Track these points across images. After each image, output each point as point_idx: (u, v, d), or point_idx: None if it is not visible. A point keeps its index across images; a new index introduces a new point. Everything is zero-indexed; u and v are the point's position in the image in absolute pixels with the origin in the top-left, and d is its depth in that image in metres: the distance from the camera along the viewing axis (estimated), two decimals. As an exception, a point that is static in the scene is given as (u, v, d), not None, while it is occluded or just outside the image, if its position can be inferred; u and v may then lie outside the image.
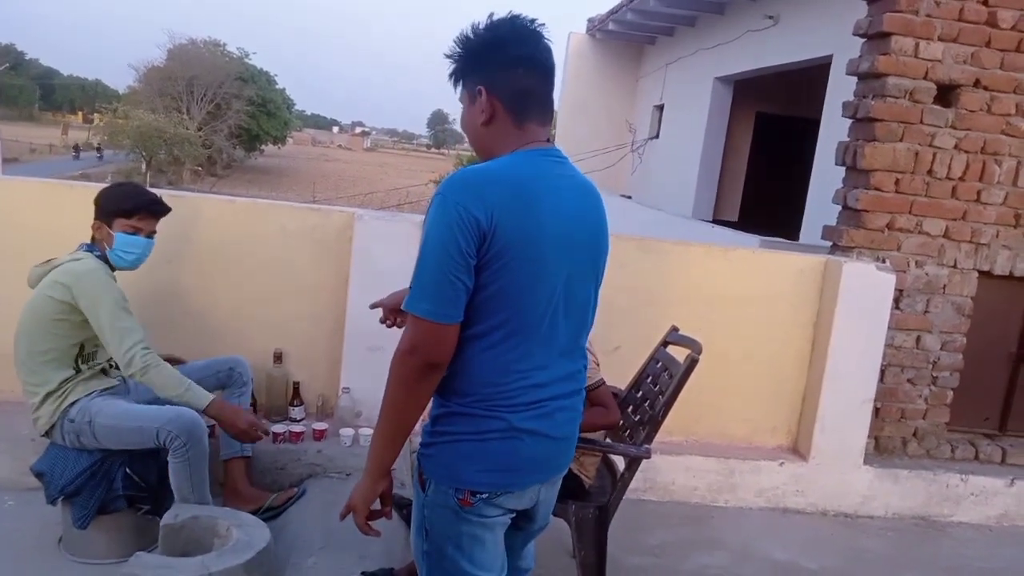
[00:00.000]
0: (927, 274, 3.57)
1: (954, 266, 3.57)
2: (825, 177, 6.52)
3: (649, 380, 2.63)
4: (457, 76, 1.58)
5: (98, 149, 42.69)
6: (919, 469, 3.62)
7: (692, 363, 2.33)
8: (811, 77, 8.27)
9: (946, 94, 3.43)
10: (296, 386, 3.22)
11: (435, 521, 1.53)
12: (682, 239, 3.94)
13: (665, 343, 2.74)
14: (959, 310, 3.62)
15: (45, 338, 2.38)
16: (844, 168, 3.68)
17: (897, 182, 3.47)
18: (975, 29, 3.36)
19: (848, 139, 3.64)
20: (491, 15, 1.54)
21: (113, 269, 2.51)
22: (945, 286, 3.59)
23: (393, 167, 65.16)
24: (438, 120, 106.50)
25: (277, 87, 47.62)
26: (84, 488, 2.41)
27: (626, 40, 12.08)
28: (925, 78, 3.39)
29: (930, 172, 3.47)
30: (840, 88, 6.36)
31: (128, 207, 2.48)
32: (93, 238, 2.52)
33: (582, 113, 12.50)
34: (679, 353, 2.57)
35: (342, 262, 3.23)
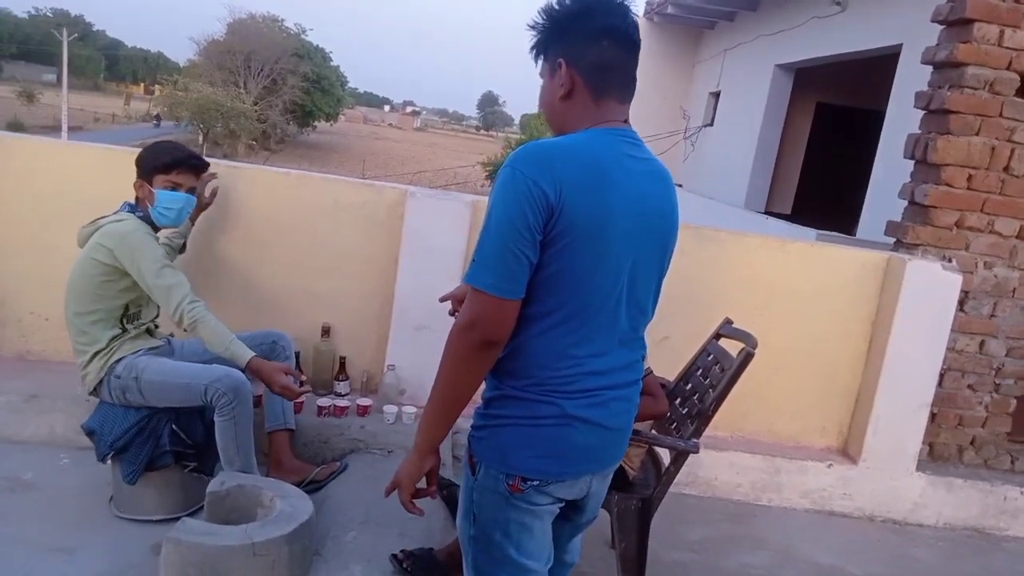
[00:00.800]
0: (996, 276, 3.41)
1: (1025, 269, 3.40)
2: (889, 171, 6.29)
3: (699, 373, 2.56)
4: (538, 48, 1.52)
5: (157, 118, 43.75)
6: (975, 479, 3.48)
7: (747, 358, 2.26)
8: (876, 67, 7.98)
9: (1028, 86, 3.25)
10: (342, 361, 3.23)
11: (484, 505, 1.50)
12: (736, 229, 3.83)
13: (718, 335, 2.67)
14: (1029, 315, 3.45)
15: (91, 299, 2.43)
16: (912, 162, 3.52)
17: (970, 178, 3.30)
18: (1065, 18, 3.17)
19: (919, 131, 3.48)
20: None
21: (156, 229, 2.55)
22: (1015, 289, 3.42)
23: (442, 147, 65.39)
24: (488, 102, 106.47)
25: (332, 64, 48.05)
26: (132, 444, 2.46)
27: (684, 24, 11.83)
28: (1008, 68, 3.21)
29: (1007, 169, 3.30)
30: (909, 79, 6.12)
31: (166, 162, 2.52)
32: (137, 198, 2.56)
33: (635, 98, 12.26)
34: (732, 347, 2.50)
35: (393, 239, 3.22)
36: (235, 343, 2.39)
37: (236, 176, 3.11)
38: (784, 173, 9.77)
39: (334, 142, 54.84)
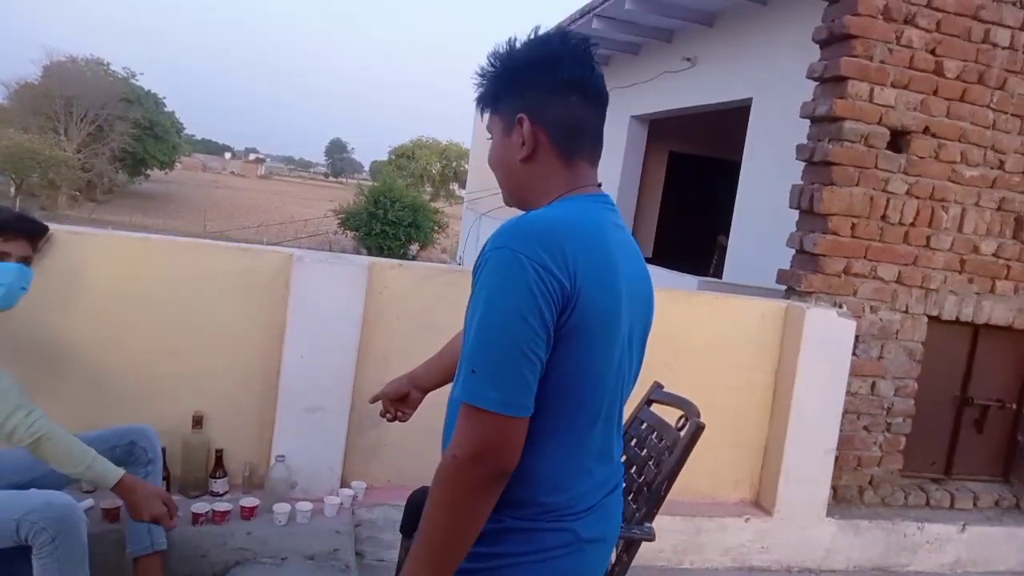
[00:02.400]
0: (881, 319, 3.54)
1: (906, 311, 3.56)
2: (746, 217, 6.62)
3: (635, 444, 2.39)
4: (489, 99, 1.31)
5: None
6: (878, 519, 3.54)
7: (697, 431, 2.12)
8: (725, 118, 8.48)
9: (897, 140, 3.44)
10: (219, 455, 2.77)
11: None
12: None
13: (649, 401, 2.52)
14: (911, 355, 3.61)
15: None
16: (798, 212, 3.62)
17: (853, 227, 3.43)
18: (924, 77, 3.39)
19: (802, 183, 3.59)
20: (536, 28, 1.28)
21: None
22: (898, 331, 3.57)
23: (290, 195, 63.25)
24: (336, 149, 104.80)
25: (166, 110, 45.32)
26: None
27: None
28: (879, 123, 3.38)
29: (883, 217, 3.45)
30: (760, 129, 6.49)
31: None
32: None
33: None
34: (663, 412, 2.36)
35: (274, 310, 2.83)
36: (98, 460, 1.94)
37: (82, 243, 2.61)
38: (644, 220, 10.12)
39: (170, 191, 51.43)
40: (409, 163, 58.65)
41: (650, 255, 10.03)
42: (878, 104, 3.36)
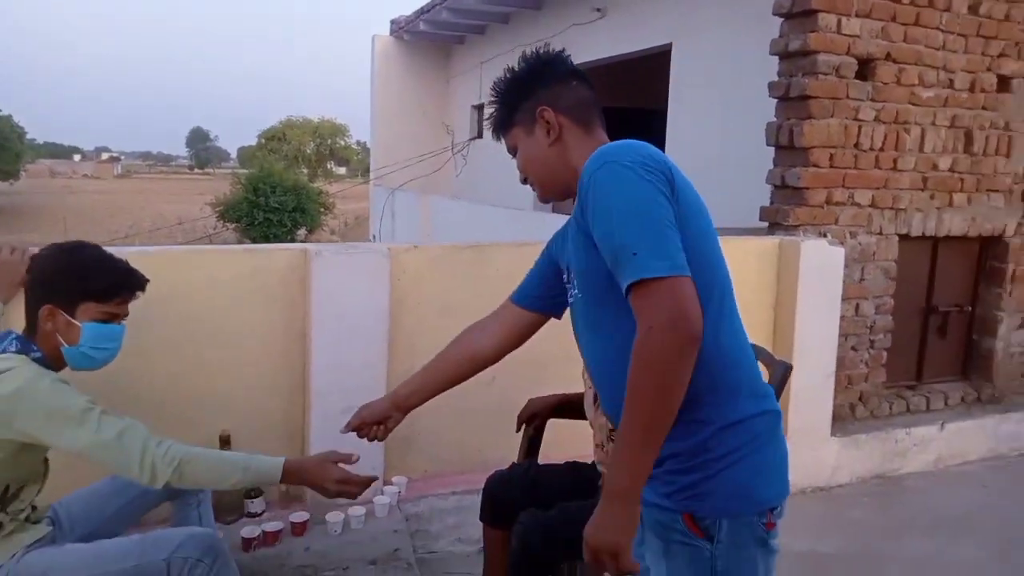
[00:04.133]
0: (860, 244, 3.70)
1: (880, 233, 3.74)
2: (677, 162, 6.74)
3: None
4: (505, 119, 1.54)
5: None
6: (873, 431, 3.76)
7: (787, 371, 2.13)
8: (637, 67, 8.58)
9: (863, 68, 3.56)
10: (252, 473, 2.56)
11: (738, 570, 1.29)
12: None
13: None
14: (887, 274, 3.81)
15: None
16: (775, 148, 3.70)
17: (831, 157, 3.54)
18: (883, 4, 3.51)
19: (777, 120, 3.66)
20: (523, 54, 1.53)
21: (57, 369, 1.78)
22: (875, 253, 3.75)
23: (154, 193, 59.22)
24: (198, 139, 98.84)
25: (1, 115, 41.15)
26: None
27: (432, 40, 11.80)
28: (848, 53, 3.48)
29: (856, 145, 3.58)
30: (684, 75, 6.60)
31: (103, 287, 1.76)
32: (33, 327, 1.76)
33: (396, 118, 12.05)
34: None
35: (292, 312, 2.63)
36: (251, 459, 1.79)
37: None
38: (562, 175, 10.17)
39: (18, 203, 46.91)
40: (281, 145, 56.19)
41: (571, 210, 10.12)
42: (846, 35, 3.46)
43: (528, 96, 1.49)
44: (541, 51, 1.54)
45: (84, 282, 1.75)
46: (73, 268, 1.77)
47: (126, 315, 1.87)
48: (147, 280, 1.87)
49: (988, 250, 4.15)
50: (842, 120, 3.52)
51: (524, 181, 1.56)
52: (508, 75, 1.53)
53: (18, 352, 1.71)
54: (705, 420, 1.28)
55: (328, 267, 2.56)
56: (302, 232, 29.64)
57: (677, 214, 1.25)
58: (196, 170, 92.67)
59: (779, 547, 1.33)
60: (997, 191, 3.99)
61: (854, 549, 3.05)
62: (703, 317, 1.19)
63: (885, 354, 3.90)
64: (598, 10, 7.79)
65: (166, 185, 70.44)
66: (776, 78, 3.66)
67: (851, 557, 2.99)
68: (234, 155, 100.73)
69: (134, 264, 1.91)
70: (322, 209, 29.93)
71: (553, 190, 1.52)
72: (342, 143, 61.06)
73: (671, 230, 1.21)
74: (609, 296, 1.30)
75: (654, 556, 1.34)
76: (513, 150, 1.56)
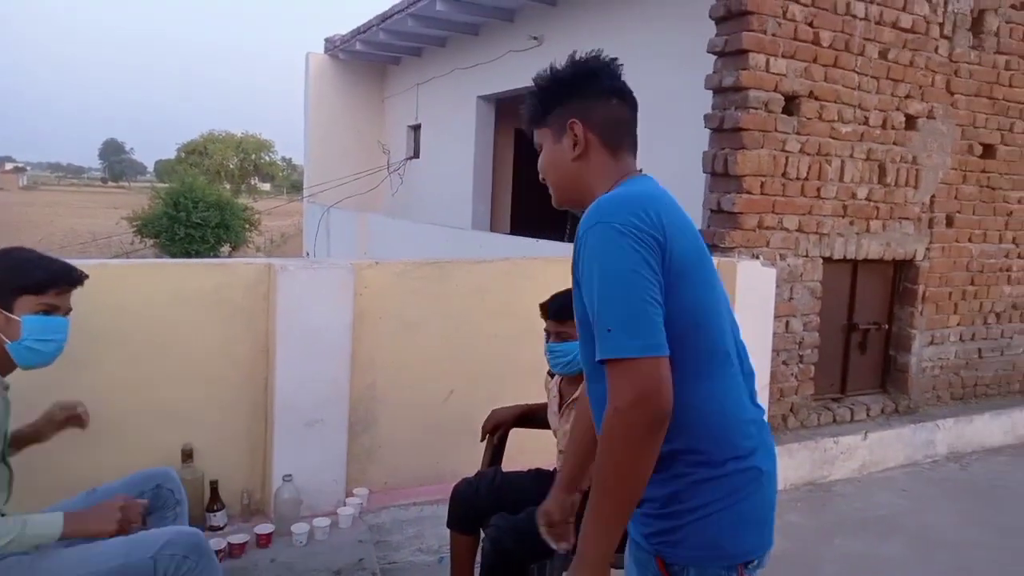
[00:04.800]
0: (789, 265, 3.99)
1: (806, 255, 4.03)
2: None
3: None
4: (538, 115, 1.49)
5: None
6: (803, 440, 4.02)
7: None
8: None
9: (789, 104, 3.86)
10: (214, 486, 2.57)
11: None
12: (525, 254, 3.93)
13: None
14: (812, 293, 4.10)
15: None
16: (711, 175, 3.95)
17: (762, 185, 3.81)
18: (806, 47, 3.83)
19: (711, 149, 3.92)
20: (573, 53, 1.48)
21: (6, 371, 1.78)
22: (802, 274, 4.04)
23: (64, 206, 56.34)
24: (112, 150, 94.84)
25: None
26: None
27: (368, 60, 11.84)
28: (775, 90, 3.77)
29: (784, 174, 3.87)
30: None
31: (38, 279, 1.79)
32: None
33: (331, 136, 11.99)
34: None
35: (255, 326, 2.66)
36: (29, 519, 1.70)
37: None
38: (499, 196, 10.33)
39: (-88, 215, 43.96)
40: (202, 159, 54.58)
41: (508, 229, 10.28)
42: (773, 73, 3.75)
43: (563, 102, 1.45)
44: (592, 59, 1.47)
45: (18, 277, 1.78)
46: (7, 265, 1.80)
47: (68, 309, 1.89)
48: (85, 275, 1.90)
49: (901, 272, 4.52)
50: (771, 151, 3.80)
51: (542, 180, 1.54)
52: (550, 72, 1.47)
53: None
54: (680, 474, 1.30)
55: (293, 281, 2.61)
56: (226, 249, 28.81)
57: (669, 275, 1.26)
58: (110, 183, 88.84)
59: None
60: (908, 219, 4.36)
61: (793, 550, 3.26)
62: (688, 380, 1.24)
63: (813, 368, 4.18)
64: (535, 38, 8.04)
65: (77, 198, 67.11)
66: (707, 110, 3.93)
67: (790, 557, 3.19)
68: (151, 168, 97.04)
69: (95, 275, 1.94)
70: (247, 225, 29.23)
71: (566, 201, 1.51)
72: (267, 159, 59.85)
73: (651, 306, 1.22)
74: None
75: None
76: (539, 147, 1.52)
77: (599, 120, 1.44)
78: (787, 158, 3.87)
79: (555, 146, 1.47)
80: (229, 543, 2.42)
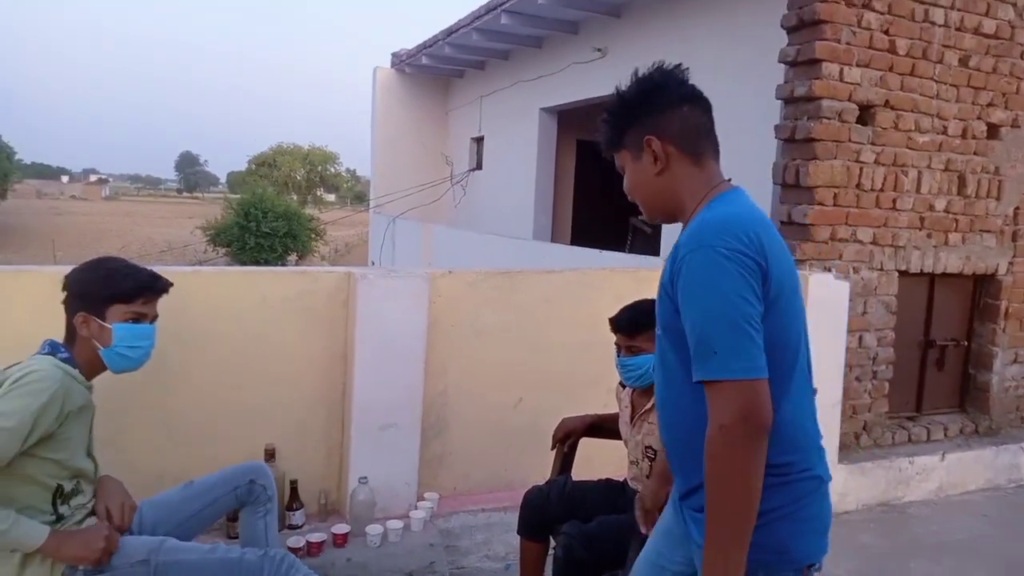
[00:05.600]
0: (863, 279, 3.90)
1: (881, 269, 3.94)
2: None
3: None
4: (615, 140, 1.51)
5: None
6: (877, 459, 3.92)
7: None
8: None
9: (864, 114, 3.78)
10: (294, 486, 2.68)
11: None
12: (594, 266, 3.93)
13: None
14: (888, 308, 3.99)
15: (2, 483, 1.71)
16: (781, 186, 3.90)
17: (835, 196, 3.75)
18: (881, 56, 3.75)
19: (782, 159, 3.87)
20: (636, 71, 1.50)
21: (91, 376, 1.91)
22: (876, 288, 3.94)
23: (143, 216, 58.87)
24: (187, 163, 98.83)
25: (-9, 135, 41.01)
26: None
27: (433, 74, 12.06)
28: (849, 100, 3.70)
29: (858, 185, 3.79)
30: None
31: (127, 288, 1.91)
32: (72, 337, 1.89)
33: (396, 149, 12.25)
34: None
35: (335, 332, 2.76)
36: (18, 520, 1.69)
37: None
38: (560, 208, 10.37)
39: (6, 223, 46.65)
40: (271, 171, 56.24)
41: (568, 240, 10.30)
42: (847, 82, 3.69)
43: (635, 122, 1.47)
44: (655, 72, 1.48)
45: (110, 287, 1.90)
46: (100, 275, 1.93)
47: (155, 316, 2.00)
48: (170, 283, 2.02)
49: (982, 287, 4.36)
50: (845, 161, 3.73)
51: (631, 200, 1.56)
52: (617, 95, 1.49)
53: (46, 355, 1.83)
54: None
55: (372, 289, 2.70)
56: (293, 258, 29.66)
57: (767, 301, 1.30)
58: (184, 194, 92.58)
59: None
60: (989, 231, 4.21)
61: (867, 571, 3.18)
62: (773, 398, 1.29)
63: (887, 385, 4.07)
64: (599, 49, 8.06)
65: (154, 208, 70.07)
66: (775, 121, 3.88)
67: (862, 578, 3.13)
68: (223, 180, 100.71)
69: (188, 282, 2.06)
70: (313, 235, 30.03)
71: (659, 215, 1.54)
72: (332, 170, 61.31)
73: (754, 330, 1.27)
74: (687, 354, 1.36)
75: None
76: (622, 169, 1.54)
77: (675, 131, 1.45)
78: (861, 169, 3.79)
79: (636, 165, 1.49)
80: (308, 541, 2.51)
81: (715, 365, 1.27)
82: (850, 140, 3.75)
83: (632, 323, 2.18)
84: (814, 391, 1.54)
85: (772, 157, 3.98)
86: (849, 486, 3.80)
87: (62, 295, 1.93)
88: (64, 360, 1.84)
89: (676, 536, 1.56)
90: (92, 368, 1.91)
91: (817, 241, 3.75)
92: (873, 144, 3.80)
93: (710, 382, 1.28)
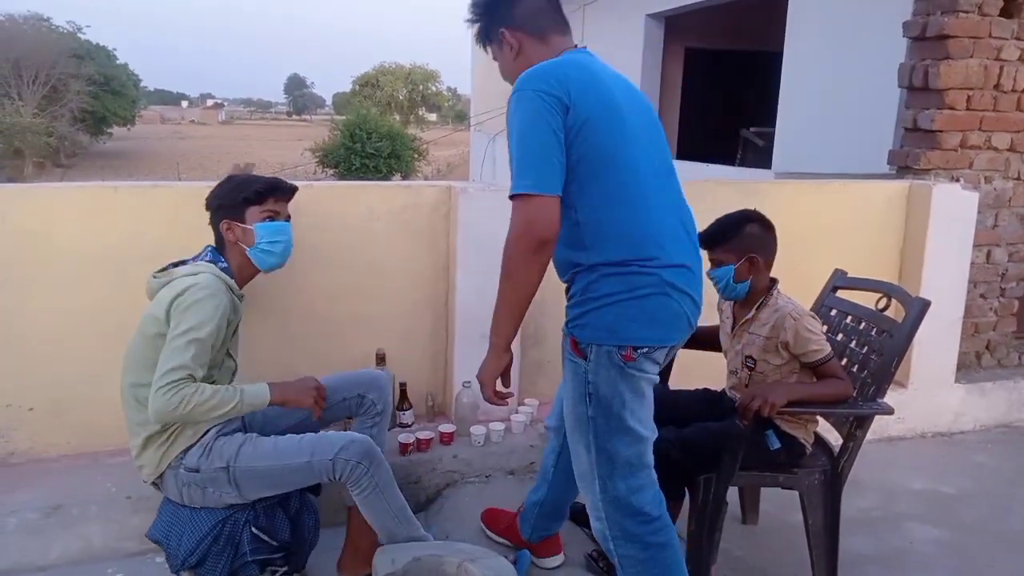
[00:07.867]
0: (995, 189, 3.61)
1: (1018, 178, 3.63)
2: (793, 106, 6.58)
3: (836, 335, 2.46)
4: (483, 36, 1.83)
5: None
6: (999, 379, 3.72)
7: (925, 306, 2.19)
8: (744, 10, 8.32)
9: (1009, 5, 3.41)
10: (403, 388, 2.84)
11: (599, 383, 1.65)
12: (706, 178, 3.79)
13: (834, 288, 2.59)
14: (1022, 221, 3.70)
15: (150, 366, 1.89)
16: (908, 89, 3.61)
17: (968, 99, 3.44)
18: (1034, -63, 3.34)
19: (910, 60, 3.57)
20: None
21: (245, 280, 2.09)
22: (1010, 199, 3.64)
23: (256, 139, 61.48)
24: (295, 85, 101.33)
25: (118, 63, 43.39)
26: (208, 556, 1.98)
27: (534, -17, 11.71)
28: (992, -10, 3.35)
29: (997, 86, 3.46)
30: (803, 16, 6.38)
31: (258, 189, 2.08)
32: (221, 245, 2.09)
33: (495, 65, 12.10)
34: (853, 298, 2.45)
35: (436, 245, 2.85)
36: (246, 392, 1.91)
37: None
38: (665, 118, 10.03)
39: (135, 148, 49.81)
40: (375, 92, 56.88)
41: (675, 152, 9.99)
42: (991, -30, 3.32)
43: (490, 19, 1.78)
44: None
45: (242, 191, 2.07)
46: (232, 186, 2.11)
47: (288, 216, 2.16)
48: (295, 187, 2.22)
49: None
50: (982, 60, 3.40)
51: (505, 82, 1.79)
52: (471, 2, 1.81)
53: (209, 262, 2.02)
54: (589, 269, 1.63)
55: (472, 203, 2.75)
56: (397, 178, 30.31)
57: (575, 128, 1.55)
58: (293, 116, 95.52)
59: (646, 376, 1.67)
60: None
61: (978, 491, 3.08)
62: (603, 207, 1.59)
63: (1016, 303, 3.81)
64: (711, -52, 7.56)
65: (266, 131, 72.93)
66: (903, 17, 3.56)
67: (974, 497, 3.02)
68: (329, 102, 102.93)
69: (300, 196, 2.21)
70: (416, 155, 30.46)
71: None
72: (433, 89, 61.38)
73: (549, 150, 1.53)
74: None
75: (564, 367, 1.76)
76: (495, 60, 1.85)
77: (520, 20, 1.75)
78: (1002, 68, 3.45)
79: (500, 55, 1.81)
80: (417, 438, 2.68)
81: (513, 184, 1.56)
82: (990, 36, 3.40)
83: (710, 236, 2.19)
84: (689, 218, 1.78)
85: (900, 58, 3.67)
86: (966, 406, 3.64)
87: (207, 215, 2.10)
88: (223, 270, 2.02)
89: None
90: (243, 273, 2.10)
91: (945, 149, 3.48)
92: (1018, 39, 3.44)
93: (510, 198, 1.57)
